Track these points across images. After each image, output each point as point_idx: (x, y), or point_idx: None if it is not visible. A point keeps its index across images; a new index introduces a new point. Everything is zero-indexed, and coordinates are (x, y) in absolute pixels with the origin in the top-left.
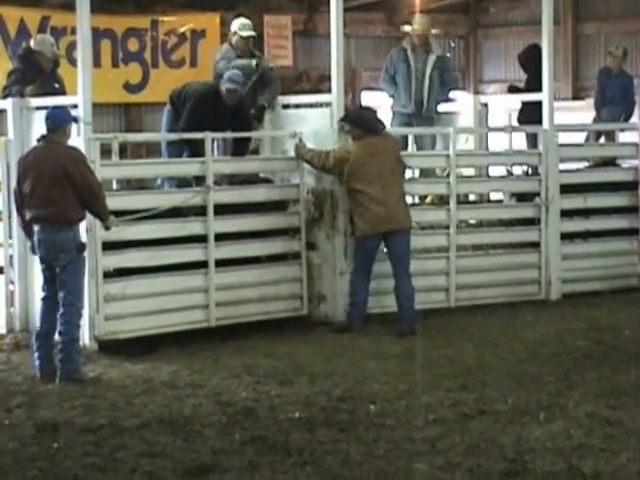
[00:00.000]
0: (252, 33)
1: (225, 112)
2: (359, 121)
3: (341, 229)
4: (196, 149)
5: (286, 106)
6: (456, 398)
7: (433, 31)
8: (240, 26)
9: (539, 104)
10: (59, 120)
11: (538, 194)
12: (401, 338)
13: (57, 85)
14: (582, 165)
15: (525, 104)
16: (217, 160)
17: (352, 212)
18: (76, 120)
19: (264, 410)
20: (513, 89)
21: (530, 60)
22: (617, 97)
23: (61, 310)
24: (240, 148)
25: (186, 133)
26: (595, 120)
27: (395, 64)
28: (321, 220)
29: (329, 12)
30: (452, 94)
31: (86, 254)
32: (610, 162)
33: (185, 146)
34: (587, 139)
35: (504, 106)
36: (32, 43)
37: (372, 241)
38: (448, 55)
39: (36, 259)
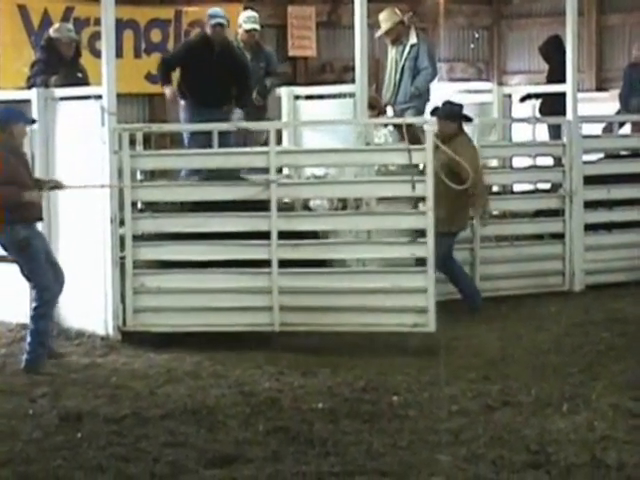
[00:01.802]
0: (255, 26)
1: (219, 63)
2: (455, 116)
3: None
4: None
5: (310, 97)
6: (479, 389)
7: (405, 18)
8: (245, 19)
9: (561, 95)
10: (2, 120)
11: (562, 185)
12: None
13: (80, 75)
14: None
15: (547, 95)
16: (281, 152)
17: (454, 206)
18: (32, 121)
19: (287, 401)
20: (526, 97)
21: (551, 51)
22: None
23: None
24: (244, 101)
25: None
26: (619, 112)
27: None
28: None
29: (353, 3)
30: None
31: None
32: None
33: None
34: (605, 130)
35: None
36: (51, 32)
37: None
38: (424, 41)
39: None
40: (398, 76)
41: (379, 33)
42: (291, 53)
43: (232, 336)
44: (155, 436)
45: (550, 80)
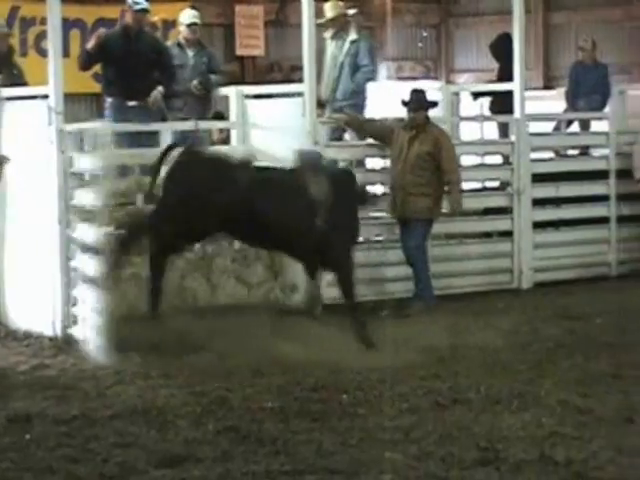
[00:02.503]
0: (196, 20)
1: (139, 53)
2: (426, 104)
3: None
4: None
5: (258, 96)
6: (429, 387)
7: (350, 12)
8: (185, 16)
9: (510, 93)
10: None
11: (510, 183)
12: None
13: (15, 72)
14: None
15: (498, 94)
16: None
17: (436, 195)
18: None
19: (237, 400)
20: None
21: (501, 50)
22: (594, 88)
23: None
24: (168, 86)
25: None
26: (566, 110)
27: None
28: None
29: (301, 2)
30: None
31: None
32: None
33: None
34: (556, 128)
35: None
36: None
37: None
38: (365, 38)
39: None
40: (337, 72)
41: (321, 20)
42: (239, 52)
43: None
44: (104, 437)
45: (501, 78)
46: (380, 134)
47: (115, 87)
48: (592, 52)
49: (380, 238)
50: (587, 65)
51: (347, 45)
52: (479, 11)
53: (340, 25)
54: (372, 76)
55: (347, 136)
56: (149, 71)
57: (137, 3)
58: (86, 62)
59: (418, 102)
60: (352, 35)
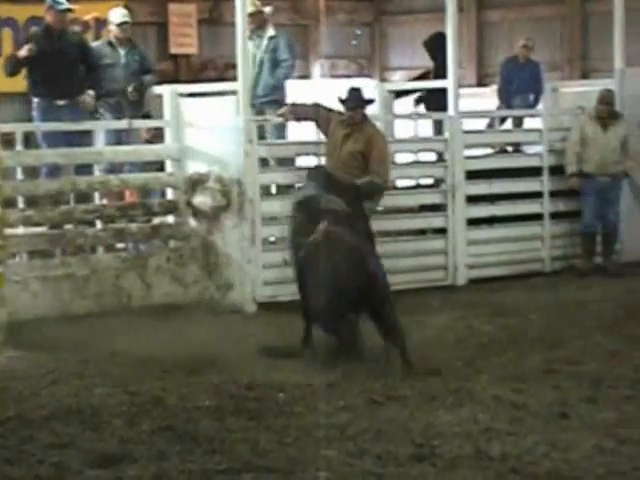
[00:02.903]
0: (127, 19)
1: (63, 52)
2: (363, 102)
3: (248, 217)
4: None
5: (192, 94)
6: (364, 384)
7: (267, 9)
8: (116, 15)
9: (443, 91)
10: None
11: (444, 180)
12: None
13: None
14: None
15: (430, 91)
16: None
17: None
18: None
19: (173, 399)
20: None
21: (436, 48)
22: (527, 85)
23: None
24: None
25: None
26: (499, 108)
27: None
28: (228, 208)
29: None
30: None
31: None
32: (516, 148)
33: None
34: (490, 125)
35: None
36: None
37: None
38: (283, 34)
39: None
40: (257, 70)
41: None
42: (172, 51)
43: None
44: (39, 438)
45: (437, 76)
46: (321, 121)
47: (42, 87)
48: (531, 51)
49: None
50: (519, 62)
51: (265, 42)
52: (412, 9)
53: (257, 22)
54: (291, 71)
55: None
56: (75, 70)
57: (59, 3)
58: (14, 68)
59: (355, 100)
60: (270, 32)
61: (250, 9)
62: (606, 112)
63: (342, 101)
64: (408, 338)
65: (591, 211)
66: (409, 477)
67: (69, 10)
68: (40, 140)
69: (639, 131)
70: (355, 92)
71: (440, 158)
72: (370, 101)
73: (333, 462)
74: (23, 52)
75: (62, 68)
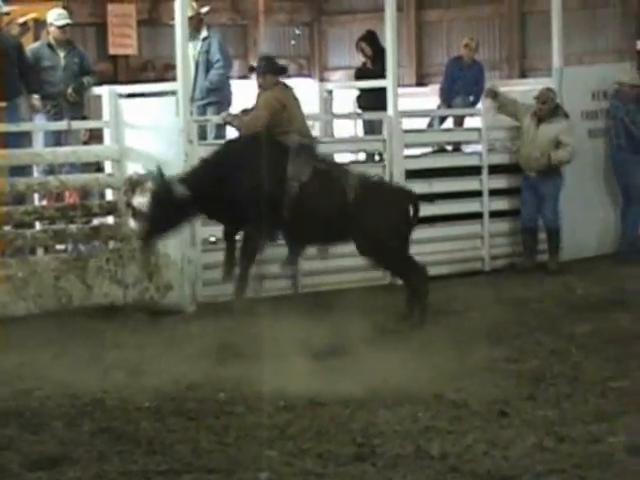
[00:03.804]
0: (68, 21)
1: (3, 55)
2: (273, 70)
3: None
4: None
5: (132, 95)
6: (305, 383)
7: (203, 10)
8: (55, 16)
9: (378, 90)
10: None
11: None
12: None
13: None
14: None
15: (363, 90)
16: None
17: None
18: None
19: (113, 401)
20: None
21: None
22: (469, 86)
23: None
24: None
25: None
26: (439, 107)
27: None
28: None
29: (173, 0)
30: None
31: None
32: (456, 147)
33: None
34: (430, 125)
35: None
36: None
37: None
38: (215, 34)
39: None
40: (194, 72)
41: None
42: (112, 51)
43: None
44: None
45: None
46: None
47: None
48: (475, 51)
49: None
50: (464, 62)
51: (199, 43)
52: (352, 9)
53: (194, 25)
54: (226, 71)
55: None
56: (12, 72)
57: None
58: None
59: (264, 67)
60: (203, 33)
61: (188, 12)
62: (543, 110)
63: (251, 69)
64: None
65: (526, 207)
66: (350, 477)
67: (6, 14)
68: None
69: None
70: (265, 60)
71: (379, 158)
72: (282, 68)
73: (274, 462)
74: None
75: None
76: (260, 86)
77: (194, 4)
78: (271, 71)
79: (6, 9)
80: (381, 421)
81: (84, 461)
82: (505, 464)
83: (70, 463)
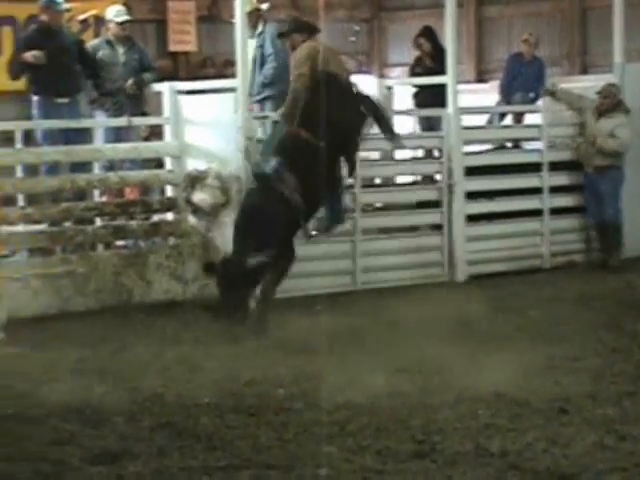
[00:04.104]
0: (128, 17)
1: (62, 50)
2: (302, 28)
3: None
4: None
5: (191, 92)
6: (364, 380)
7: (264, 6)
8: (115, 13)
9: (436, 87)
10: None
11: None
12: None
13: None
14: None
15: (421, 87)
16: None
17: None
18: None
19: (173, 396)
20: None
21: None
22: (530, 83)
23: None
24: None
25: None
26: (499, 104)
27: None
28: (227, 205)
29: None
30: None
31: None
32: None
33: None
34: (490, 122)
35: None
36: None
37: None
38: (270, 28)
39: None
40: (252, 67)
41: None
42: (172, 48)
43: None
44: (39, 435)
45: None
46: None
47: (41, 85)
48: (534, 47)
49: None
50: (525, 59)
51: (256, 38)
52: (411, 5)
53: (253, 20)
54: (280, 64)
55: None
56: (73, 68)
57: (57, 3)
58: (19, 72)
59: (292, 26)
60: (259, 28)
61: (246, 8)
62: (605, 105)
63: (280, 35)
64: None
65: (588, 205)
66: (410, 473)
67: (67, 10)
68: (40, 138)
69: None
70: (290, 21)
71: (439, 154)
72: (310, 28)
73: (333, 458)
74: (30, 58)
75: (61, 67)
76: (290, 47)
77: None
78: (297, 30)
79: (67, 6)
80: (441, 418)
81: (144, 456)
82: (565, 462)
83: (130, 458)
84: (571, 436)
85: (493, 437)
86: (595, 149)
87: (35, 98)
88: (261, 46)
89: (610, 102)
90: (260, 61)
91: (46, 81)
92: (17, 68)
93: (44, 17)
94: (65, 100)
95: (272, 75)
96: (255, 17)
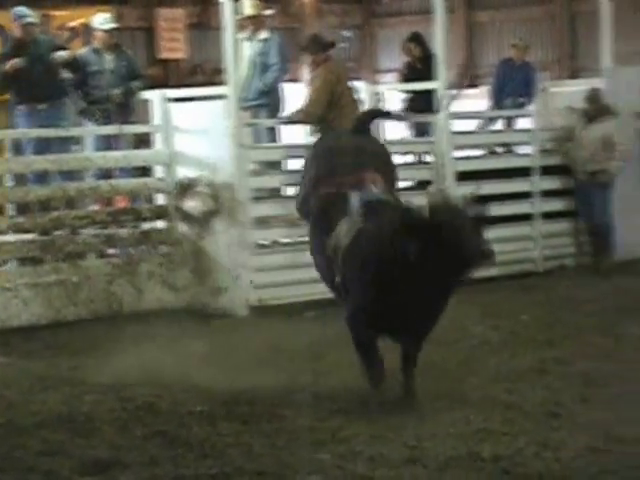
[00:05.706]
0: (115, 25)
1: (39, 60)
2: (321, 45)
3: (239, 221)
4: None
5: (181, 99)
6: (357, 387)
7: (267, 12)
8: (101, 21)
9: (426, 92)
10: None
11: (431, 182)
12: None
13: None
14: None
15: (415, 93)
16: None
17: None
18: None
19: (165, 405)
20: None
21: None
22: (520, 88)
23: None
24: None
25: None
26: (489, 109)
27: None
28: (218, 213)
29: (222, 4)
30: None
31: None
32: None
33: None
34: (481, 127)
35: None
36: None
37: None
38: (276, 37)
39: None
40: (250, 72)
41: (240, 17)
42: (161, 56)
43: (105, 341)
44: (30, 445)
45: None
46: None
47: (22, 93)
48: (524, 52)
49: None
50: (515, 63)
51: (258, 44)
52: (402, 11)
53: (256, 25)
54: (281, 75)
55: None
56: (53, 73)
57: (23, 16)
58: (4, 86)
59: (311, 45)
60: (263, 34)
61: (252, 11)
62: (591, 111)
63: (303, 49)
64: None
65: (580, 209)
66: (401, 479)
67: (33, 24)
68: (25, 146)
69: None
70: (313, 37)
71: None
72: (330, 44)
73: (325, 465)
74: (10, 69)
75: (38, 74)
76: (312, 64)
77: (259, 4)
78: (320, 48)
79: (34, 19)
80: (433, 423)
81: (136, 465)
82: (557, 466)
83: (122, 468)
84: (562, 440)
85: (485, 442)
86: (587, 153)
87: (18, 107)
88: (265, 53)
89: (595, 107)
90: (261, 68)
91: (26, 89)
92: (2, 83)
93: (15, 31)
94: (44, 106)
95: (272, 84)
96: (258, 22)
